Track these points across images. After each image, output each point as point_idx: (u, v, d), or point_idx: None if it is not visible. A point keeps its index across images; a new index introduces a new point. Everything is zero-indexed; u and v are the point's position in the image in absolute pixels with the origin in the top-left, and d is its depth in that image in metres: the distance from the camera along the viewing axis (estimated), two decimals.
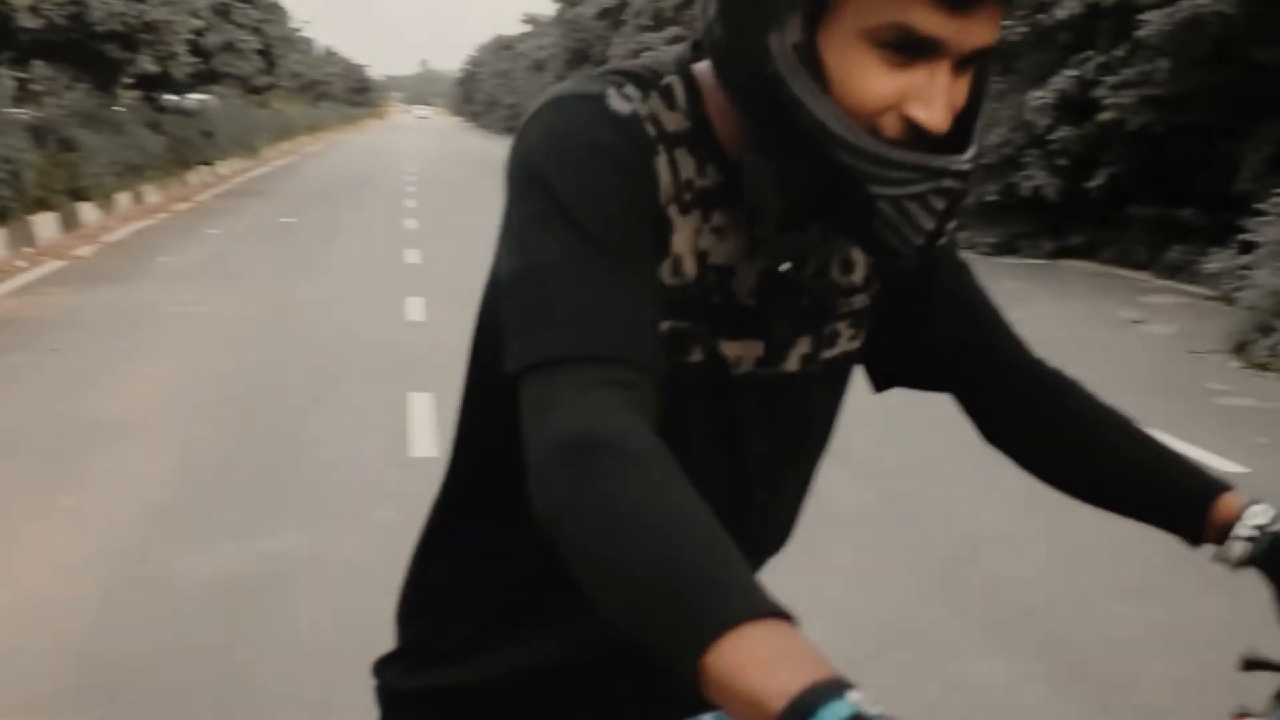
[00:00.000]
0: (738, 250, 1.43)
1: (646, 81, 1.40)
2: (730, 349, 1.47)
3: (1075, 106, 19.16)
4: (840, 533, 6.71)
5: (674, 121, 1.39)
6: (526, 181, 1.34)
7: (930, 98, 1.28)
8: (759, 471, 1.57)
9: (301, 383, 10.90)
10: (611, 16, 46.34)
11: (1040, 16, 19.96)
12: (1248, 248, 14.07)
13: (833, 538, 6.54)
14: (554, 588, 1.37)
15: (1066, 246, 20.40)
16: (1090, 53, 18.95)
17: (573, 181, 1.31)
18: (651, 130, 1.36)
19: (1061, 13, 18.89)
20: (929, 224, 1.31)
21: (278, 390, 10.59)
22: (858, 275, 1.57)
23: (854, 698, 0.97)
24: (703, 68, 1.43)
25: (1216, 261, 15.08)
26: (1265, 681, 1.65)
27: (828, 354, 1.56)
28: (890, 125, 1.29)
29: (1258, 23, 16.63)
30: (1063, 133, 19.30)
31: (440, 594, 1.68)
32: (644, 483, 1.15)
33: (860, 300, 1.58)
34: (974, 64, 1.32)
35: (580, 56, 53.23)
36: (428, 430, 9.10)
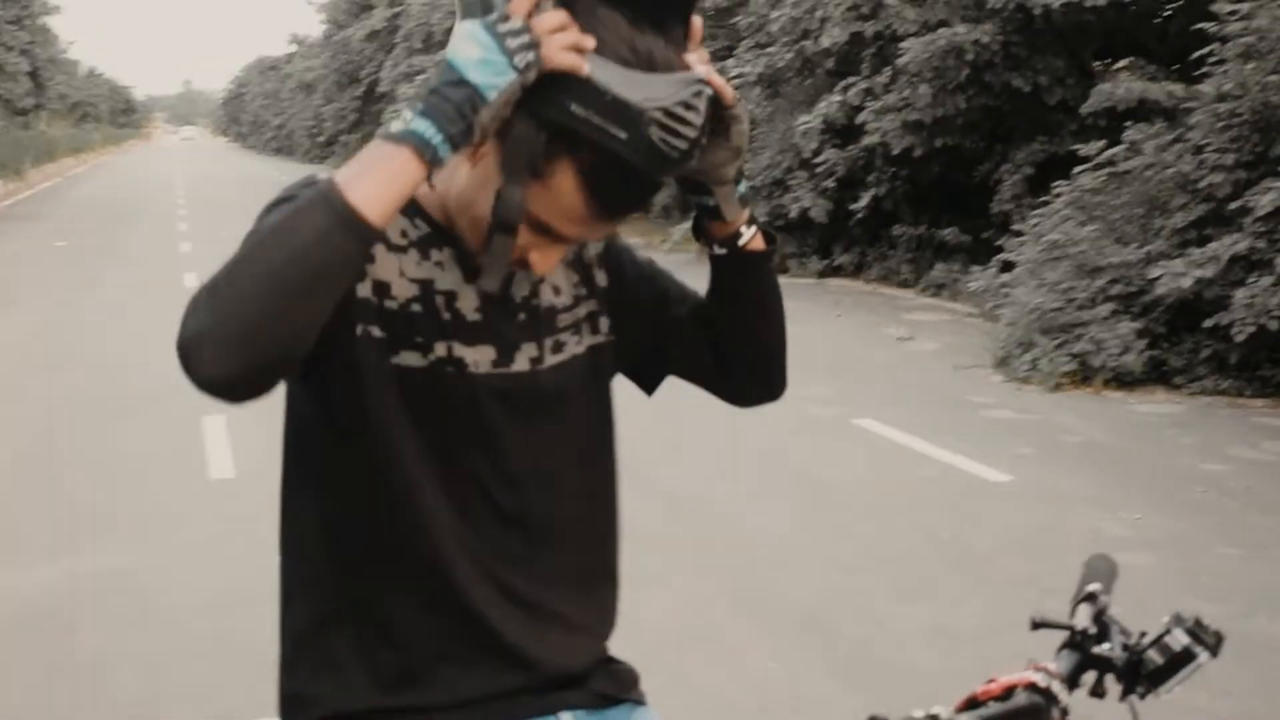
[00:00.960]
0: (458, 278, 1.81)
1: None
2: (466, 352, 1.81)
3: (841, 131, 19.66)
4: (631, 543, 6.82)
5: None
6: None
7: None
8: (518, 459, 1.87)
9: (95, 408, 10.71)
10: (381, 39, 45.98)
11: (805, 44, 20.48)
12: (1008, 266, 14.65)
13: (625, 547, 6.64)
14: (412, 634, 1.82)
15: (834, 266, 20.91)
16: (855, 79, 19.48)
17: (272, 220, 1.56)
18: None
19: (826, 40, 19.38)
20: (698, 121, 1.61)
21: (72, 416, 10.39)
22: (565, 297, 1.94)
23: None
24: None
25: (979, 280, 15.62)
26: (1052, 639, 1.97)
27: (557, 358, 1.91)
28: None
29: (1012, 51, 17.35)
30: (828, 156, 19.78)
31: (303, 644, 1.90)
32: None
33: (574, 315, 1.94)
34: None
35: (350, 79, 52.68)
36: (225, 452, 9.05)
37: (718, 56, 25.90)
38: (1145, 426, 10.70)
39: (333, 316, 1.55)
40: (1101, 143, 14.29)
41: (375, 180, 1.52)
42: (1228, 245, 11.92)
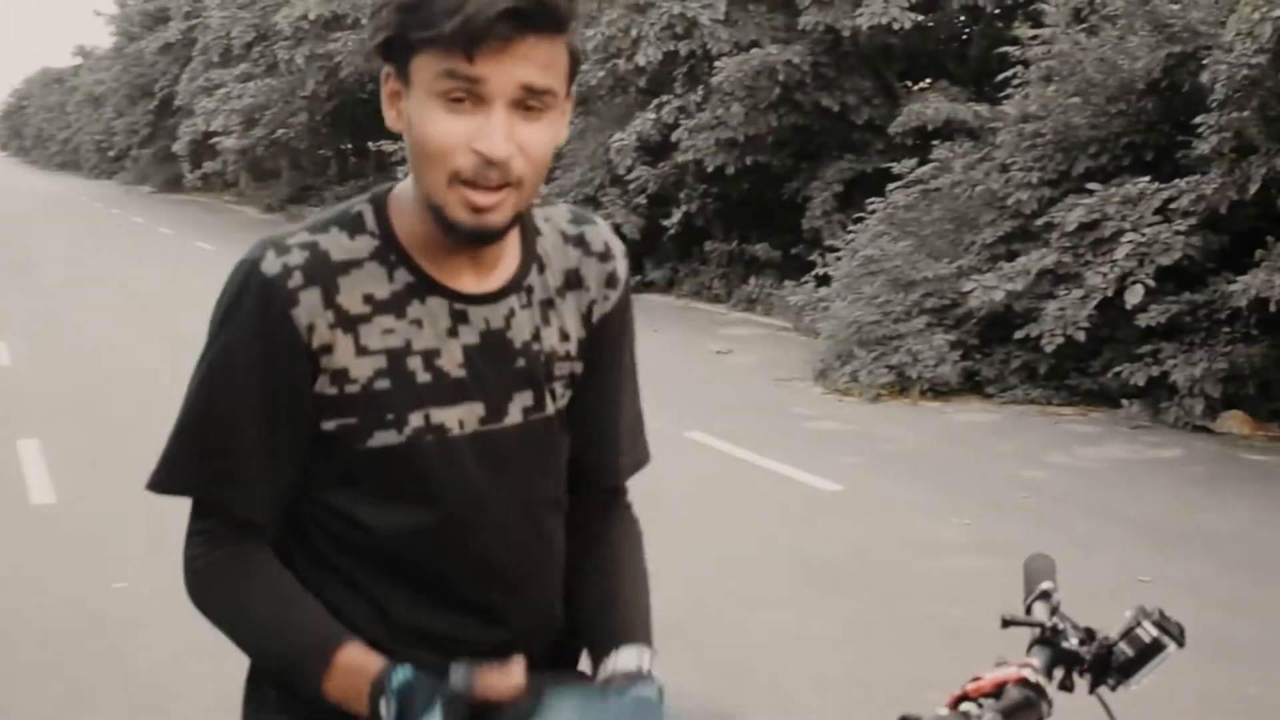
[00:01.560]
0: (440, 332, 1.77)
1: (329, 221, 1.78)
2: (447, 415, 1.78)
3: (654, 148, 19.86)
4: None
5: (353, 248, 1.75)
6: (207, 333, 1.76)
7: (487, 133, 1.63)
8: (508, 516, 1.85)
9: None
10: (177, 51, 44.98)
11: (618, 62, 20.64)
12: (823, 281, 14.98)
13: None
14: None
15: (646, 282, 21.09)
16: (669, 97, 19.69)
17: (218, 350, 1.75)
18: (298, 279, 1.71)
19: (640, 59, 19.57)
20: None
21: None
22: (572, 344, 1.90)
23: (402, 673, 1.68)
24: (397, 189, 1.81)
25: (798, 295, 15.93)
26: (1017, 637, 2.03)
27: (552, 408, 1.87)
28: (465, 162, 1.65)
29: (821, 71, 17.77)
30: (640, 173, 19.95)
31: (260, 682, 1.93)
32: (252, 593, 1.78)
33: (570, 367, 1.90)
34: (539, 104, 1.66)
35: (143, 92, 51.38)
36: (43, 477, 8.76)
37: None
38: (964, 435, 11.06)
39: (295, 431, 1.75)
40: (913, 161, 14.72)
41: (340, 700, 1.74)
42: (1036, 259, 12.40)
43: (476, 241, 1.74)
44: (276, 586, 1.78)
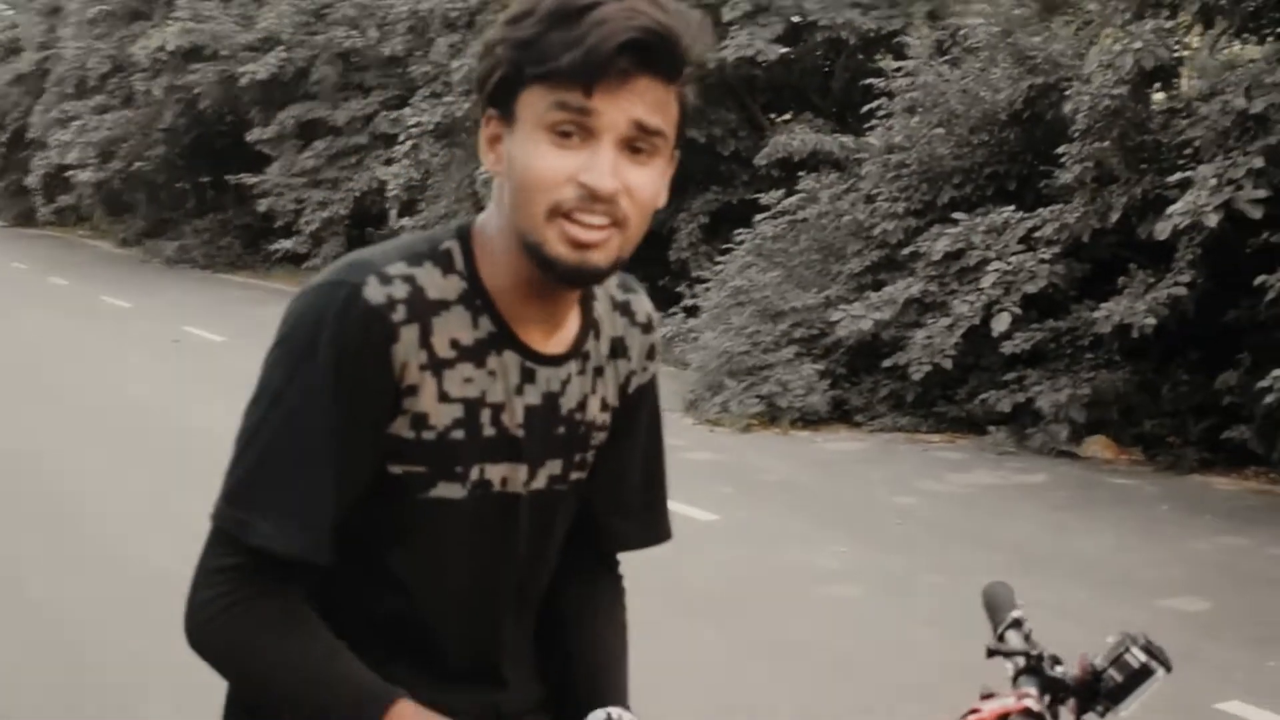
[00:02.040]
0: (510, 388, 1.71)
1: (421, 254, 1.69)
2: (497, 472, 1.73)
3: None
4: None
5: (445, 287, 1.68)
6: (271, 357, 1.66)
7: (593, 166, 1.58)
8: (524, 574, 1.82)
9: None
10: (30, 83, 43.99)
11: None
12: (692, 312, 14.99)
13: None
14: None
15: None
16: None
17: (305, 373, 1.62)
18: (401, 313, 1.63)
19: None
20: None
21: None
22: (608, 415, 1.85)
23: None
24: (480, 223, 1.73)
25: (666, 326, 15.91)
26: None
27: (574, 477, 1.83)
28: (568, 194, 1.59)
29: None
30: None
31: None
32: (293, 641, 1.66)
33: (604, 436, 1.85)
34: (648, 146, 1.62)
35: None
36: None
37: (390, 105, 25.82)
38: (835, 463, 11.11)
39: (364, 470, 1.66)
40: (780, 192, 14.81)
41: None
42: (903, 289, 12.53)
43: (575, 282, 1.68)
44: (321, 635, 1.68)
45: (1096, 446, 11.28)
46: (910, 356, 12.08)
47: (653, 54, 1.58)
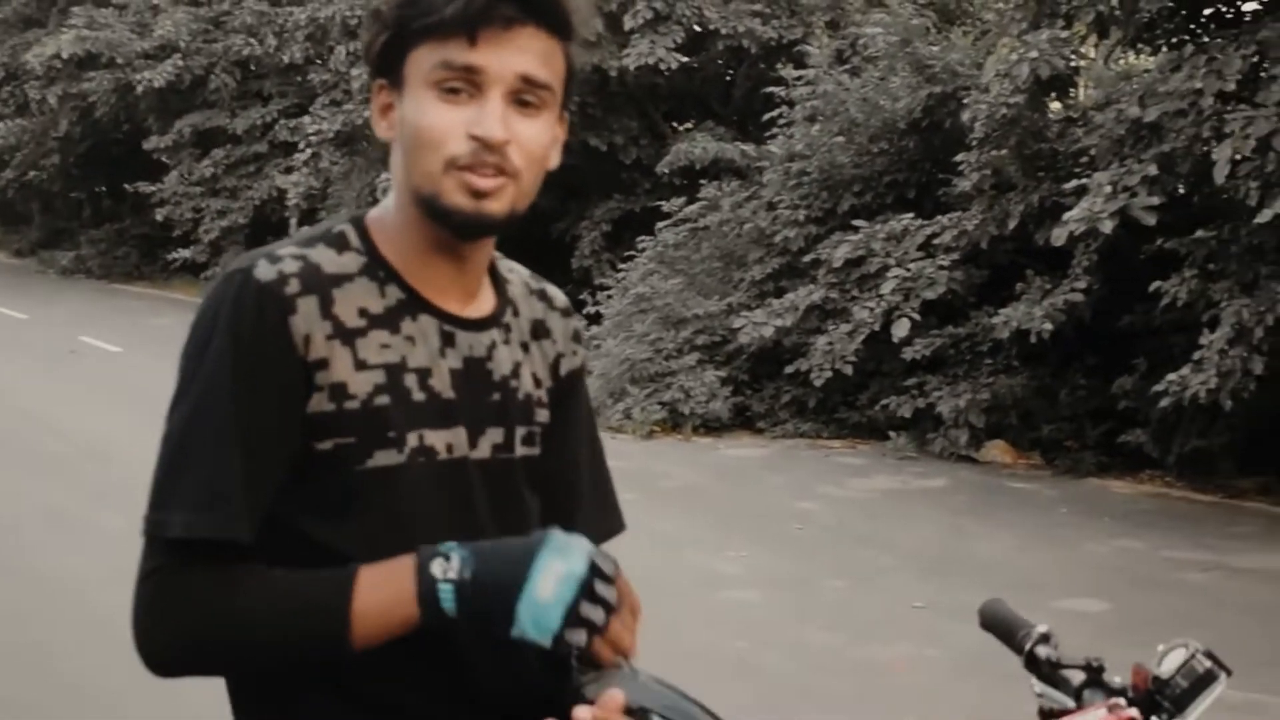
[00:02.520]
0: (432, 351, 1.69)
1: (314, 238, 1.69)
2: (436, 438, 1.68)
3: None
4: None
5: (343, 263, 1.66)
6: (180, 364, 1.64)
7: (482, 119, 1.60)
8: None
9: None
10: None
11: None
12: (594, 319, 14.96)
13: None
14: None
15: None
16: None
17: (209, 361, 1.60)
18: (294, 286, 1.61)
19: None
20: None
21: None
22: (544, 392, 1.82)
23: (440, 559, 1.57)
24: (375, 211, 1.74)
25: None
26: None
27: (519, 451, 1.77)
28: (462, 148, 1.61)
29: (589, 111, 17.80)
30: None
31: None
32: (246, 586, 1.59)
33: (544, 414, 1.82)
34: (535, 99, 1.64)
35: None
36: None
37: (289, 114, 25.57)
38: (737, 470, 11.12)
39: (279, 450, 1.62)
40: (681, 200, 14.82)
41: (379, 624, 1.59)
42: (804, 296, 12.58)
43: (472, 232, 1.68)
44: (249, 570, 1.61)
45: (996, 451, 11.38)
46: (811, 363, 12.13)
47: (534, 3, 1.61)
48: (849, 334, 11.95)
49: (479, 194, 1.61)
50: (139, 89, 26.10)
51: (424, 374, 1.68)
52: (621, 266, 15.25)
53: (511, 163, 1.61)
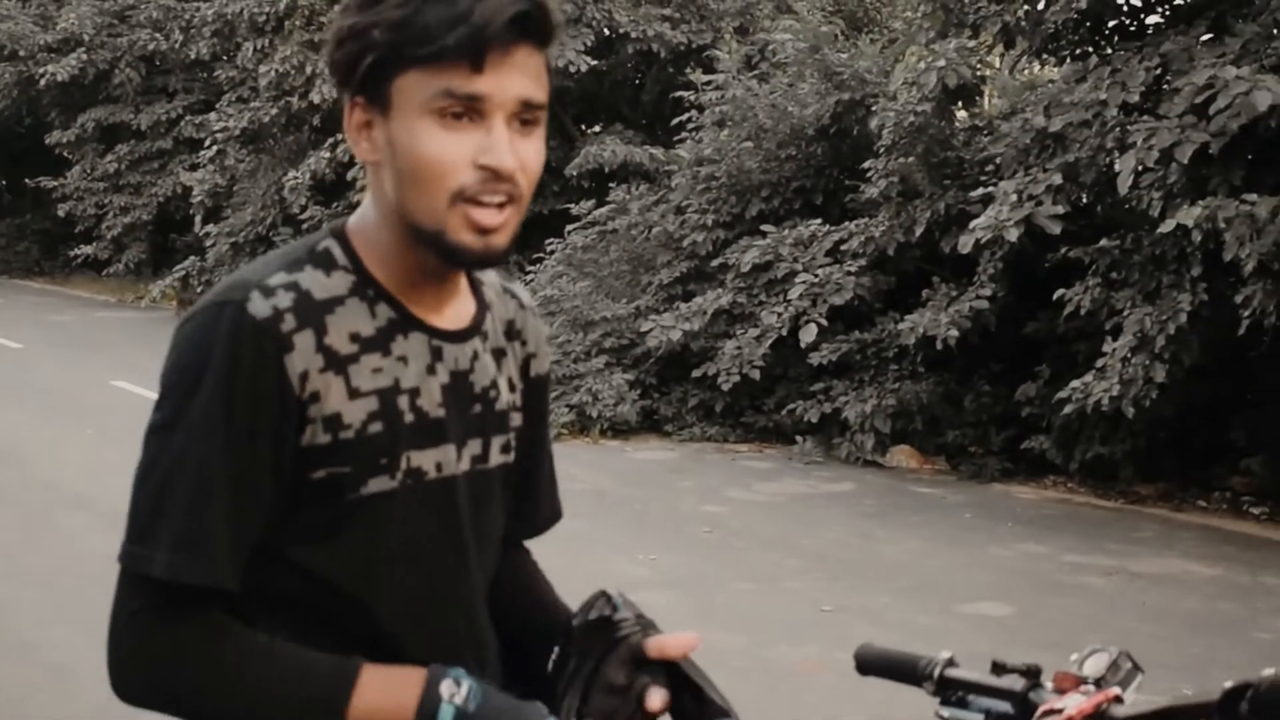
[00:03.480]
0: (421, 370, 1.66)
1: (300, 259, 1.64)
2: (426, 458, 1.66)
3: (330, 187, 19.53)
4: None
5: (332, 285, 1.63)
6: (162, 389, 1.59)
7: (491, 147, 1.55)
8: (473, 558, 1.75)
9: None
10: None
11: (292, 100, 20.23)
12: None
13: None
14: None
15: None
16: (343, 135, 19.37)
17: (200, 403, 1.55)
18: (290, 323, 1.57)
19: (315, 97, 19.23)
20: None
21: None
22: (516, 396, 1.81)
23: (451, 680, 1.59)
24: (354, 222, 1.69)
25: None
26: None
27: (497, 461, 1.77)
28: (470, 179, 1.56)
29: None
30: (314, 212, 19.58)
31: None
32: (238, 654, 1.58)
33: (517, 419, 1.81)
34: (533, 119, 1.60)
35: None
36: None
37: (195, 110, 25.27)
38: (645, 473, 11.12)
39: (272, 489, 1.58)
40: (590, 203, 14.82)
41: (384, 707, 1.59)
42: (712, 300, 12.62)
43: (479, 267, 1.67)
44: (251, 638, 1.60)
45: (901, 456, 11.48)
46: (719, 367, 12.16)
47: (532, 22, 1.57)
48: (756, 339, 12.00)
49: (487, 231, 1.58)
50: (41, 82, 25.73)
51: (414, 394, 1.66)
52: (529, 269, 15.21)
53: (520, 189, 1.59)
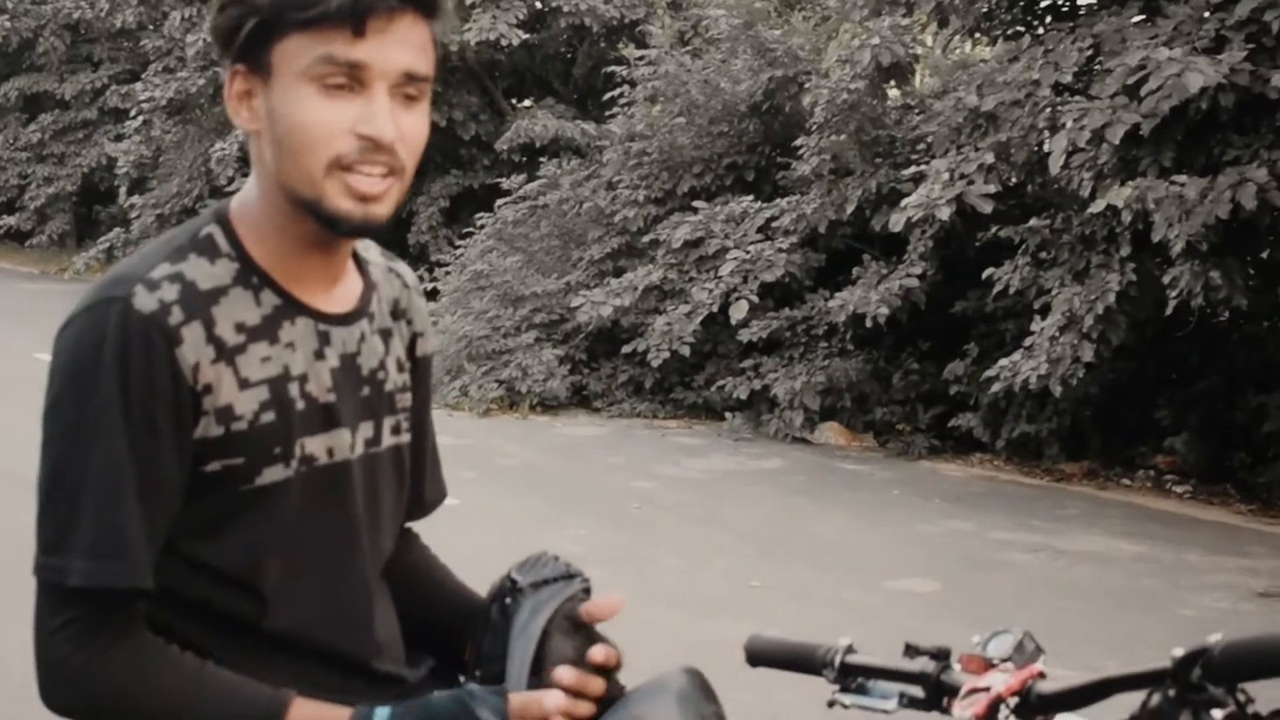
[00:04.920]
0: (309, 355, 1.65)
1: (183, 248, 1.60)
2: (318, 444, 1.65)
3: None
4: None
5: (217, 274, 1.60)
6: (54, 395, 1.55)
7: (371, 117, 1.53)
8: (366, 541, 1.73)
9: None
10: None
11: (219, 70, 19.94)
12: (431, 296, 14.81)
13: None
14: None
15: None
16: None
17: (93, 404, 1.51)
18: (178, 315, 1.54)
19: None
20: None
21: None
22: (405, 376, 1.80)
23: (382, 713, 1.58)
24: (237, 204, 1.66)
25: None
26: None
27: (389, 442, 1.76)
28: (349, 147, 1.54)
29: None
30: (241, 184, 19.35)
31: None
32: (164, 675, 1.56)
33: (404, 401, 1.80)
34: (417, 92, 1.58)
35: None
36: None
37: (121, 80, 24.91)
38: (575, 448, 11.09)
39: (175, 484, 1.56)
40: (521, 177, 14.75)
41: None
42: (643, 276, 12.59)
43: (357, 235, 1.64)
44: (184, 660, 1.59)
45: (830, 433, 11.51)
46: (649, 343, 12.14)
47: None
48: (687, 315, 11.98)
49: (366, 198, 1.56)
50: None
51: (303, 380, 1.64)
52: (459, 243, 15.13)
53: (400, 160, 1.56)
